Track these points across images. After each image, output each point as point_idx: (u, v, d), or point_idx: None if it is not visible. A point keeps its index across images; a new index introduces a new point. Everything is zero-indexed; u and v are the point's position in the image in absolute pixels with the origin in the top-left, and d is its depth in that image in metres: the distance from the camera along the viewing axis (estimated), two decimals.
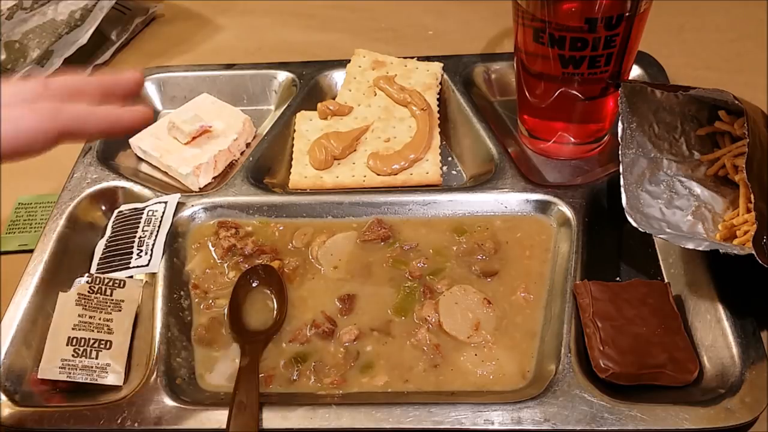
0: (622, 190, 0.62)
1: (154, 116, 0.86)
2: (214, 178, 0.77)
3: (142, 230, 0.69)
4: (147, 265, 0.66)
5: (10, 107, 0.44)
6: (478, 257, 0.66)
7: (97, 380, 0.59)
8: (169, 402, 0.56)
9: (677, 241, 0.57)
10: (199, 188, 0.76)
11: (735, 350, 0.55)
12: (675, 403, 0.53)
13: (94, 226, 0.72)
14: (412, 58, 0.84)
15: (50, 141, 0.45)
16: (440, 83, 0.81)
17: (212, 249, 0.69)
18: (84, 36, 0.90)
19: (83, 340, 0.60)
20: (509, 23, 0.70)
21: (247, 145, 0.81)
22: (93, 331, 0.61)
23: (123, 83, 0.50)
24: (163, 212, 0.70)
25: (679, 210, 0.65)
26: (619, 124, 0.65)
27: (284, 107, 0.82)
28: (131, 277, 0.66)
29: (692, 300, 0.60)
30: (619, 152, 0.64)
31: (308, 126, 0.79)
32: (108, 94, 0.49)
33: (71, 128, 0.45)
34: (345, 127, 0.78)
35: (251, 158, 0.76)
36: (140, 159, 0.80)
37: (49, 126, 0.44)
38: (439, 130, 0.77)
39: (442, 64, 0.82)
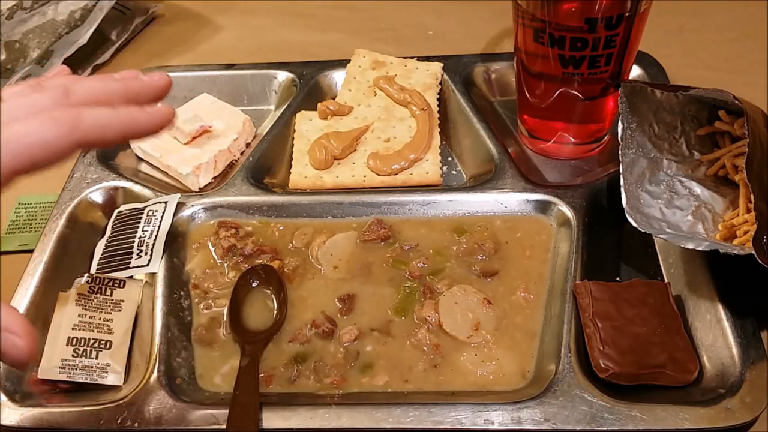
0: (622, 190, 0.62)
1: None
2: (214, 178, 0.77)
3: (142, 230, 0.69)
4: (147, 265, 0.66)
5: (28, 119, 0.41)
6: (478, 257, 0.66)
7: (97, 380, 0.59)
8: (169, 402, 0.56)
9: (677, 241, 0.57)
10: (199, 188, 0.76)
11: (735, 350, 0.55)
12: (675, 403, 0.53)
13: (94, 226, 0.72)
14: (412, 58, 0.84)
15: (69, 152, 0.42)
16: (440, 83, 0.81)
17: (212, 249, 0.69)
18: (84, 36, 0.90)
19: (83, 340, 0.60)
20: (509, 23, 0.70)
21: (247, 145, 0.81)
22: (93, 331, 0.61)
23: (151, 89, 0.46)
24: (163, 212, 0.70)
25: (679, 210, 0.65)
26: (619, 124, 0.65)
27: (284, 107, 0.82)
28: (131, 277, 0.66)
29: (692, 300, 0.60)
30: (619, 152, 0.64)
31: (308, 126, 0.79)
32: (132, 100, 0.45)
33: (91, 137, 0.42)
34: (345, 127, 0.78)
35: (251, 158, 0.76)
36: (140, 159, 0.80)
37: (69, 136, 0.41)
38: (439, 130, 0.77)
39: (442, 64, 0.82)
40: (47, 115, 0.41)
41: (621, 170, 0.63)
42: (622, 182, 0.62)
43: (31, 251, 0.68)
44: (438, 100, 0.80)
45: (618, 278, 0.64)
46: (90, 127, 0.42)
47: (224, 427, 0.53)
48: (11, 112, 0.42)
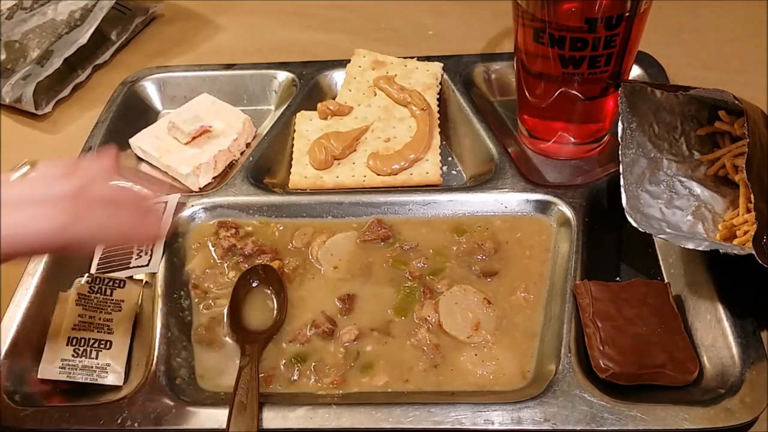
0: (622, 190, 0.62)
1: (155, 117, 0.86)
2: (214, 178, 0.77)
3: None
4: (147, 265, 0.66)
5: (35, 204, 0.40)
6: (478, 257, 0.66)
7: (97, 380, 0.59)
8: (169, 402, 0.56)
9: (677, 241, 0.57)
10: (199, 188, 0.76)
11: (735, 350, 0.55)
12: (675, 403, 0.53)
13: None
14: (412, 58, 0.84)
15: (58, 247, 0.41)
16: (440, 83, 0.81)
17: (212, 249, 0.69)
18: (84, 36, 0.90)
19: (83, 340, 0.60)
20: (509, 23, 0.70)
21: (247, 145, 0.81)
22: (93, 331, 0.61)
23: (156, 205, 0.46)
24: (163, 212, 0.70)
25: (679, 210, 0.65)
26: (619, 124, 0.65)
27: (284, 107, 0.82)
28: (131, 277, 0.66)
29: (692, 300, 0.60)
30: (619, 152, 0.64)
31: (308, 126, 0.79)
32: (139, 209, 0.45)
33: (83, 239, 0.41)
34: (345, 127, 0.78)
35: (251, 158, 0.76)
36: (140, 159, 0.80)
37: (63, 232, 0.39)
38: (439, 130, 0.77)
39: (442, 64, 0.82)
40: (53, 204, 0.40)
41: (621, 170, 0.63)
42: (622, 182, 0.62)
43: None
44: (438, 100, 0.80)
45: (618, 278, 0.64)
46: (86, 230, 0.41)
47: (224, 427, 0.53)
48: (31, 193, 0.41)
